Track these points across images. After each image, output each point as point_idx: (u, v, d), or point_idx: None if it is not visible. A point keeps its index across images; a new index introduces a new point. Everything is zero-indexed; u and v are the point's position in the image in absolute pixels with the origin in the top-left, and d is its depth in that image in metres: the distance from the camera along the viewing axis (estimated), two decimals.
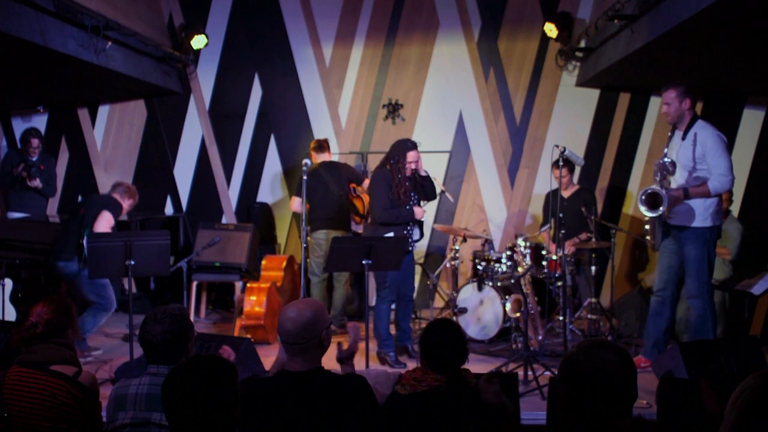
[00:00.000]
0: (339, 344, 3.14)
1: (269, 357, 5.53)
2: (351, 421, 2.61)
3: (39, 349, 2.90)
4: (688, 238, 4.89)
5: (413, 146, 5.48)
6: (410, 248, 5.57)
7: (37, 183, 7.05)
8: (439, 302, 7.33)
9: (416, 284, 6.12)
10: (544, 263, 6.14)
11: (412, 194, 5.49)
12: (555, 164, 6.28)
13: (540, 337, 5.90)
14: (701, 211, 4.84)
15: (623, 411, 1.95)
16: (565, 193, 6.56)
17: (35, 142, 7.10)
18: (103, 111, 8.05)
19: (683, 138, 4.89)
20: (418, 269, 7.49)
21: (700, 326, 4.93)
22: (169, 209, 8.03)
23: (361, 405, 2.66)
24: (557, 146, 5.24)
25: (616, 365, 1.94)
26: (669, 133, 5.04)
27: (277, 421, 2.60)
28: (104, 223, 5.53)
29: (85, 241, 5.50)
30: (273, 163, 7.91)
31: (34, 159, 7.12)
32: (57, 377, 2.81)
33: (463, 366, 2.87)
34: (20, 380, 2.81)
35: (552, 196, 6.28)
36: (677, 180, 4.94)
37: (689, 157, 4.84)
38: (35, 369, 2.83)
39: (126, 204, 5.82)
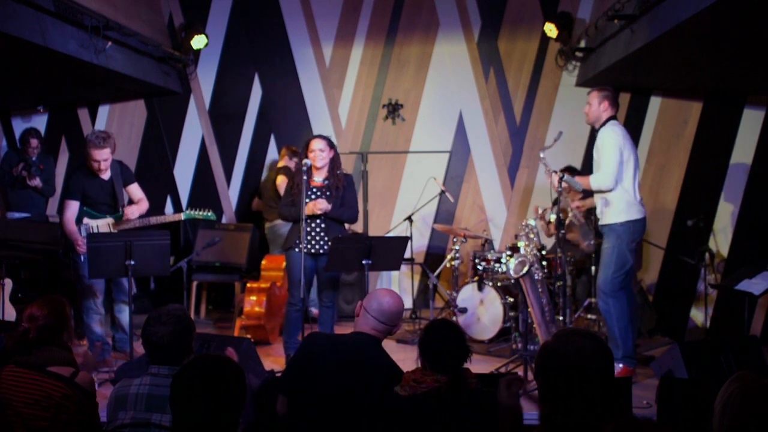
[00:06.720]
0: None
1: (269, 357, 5.55)
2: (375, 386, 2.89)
3: (36, 353, 2.89)
4: (606, 234, 5.08)
5: (316, 136, 5.13)
6: (312, 250, 5.11)
7: (37, 182, 7.07)
8: (439, 302, 7.33)
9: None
10: (544, 263, 6.14)
11: (313, 189, 5.14)
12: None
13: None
14: (614, 207, 5.01)
15: (601, 400, 1.93)
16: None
17: (34, 142, 7.12)
18: (103, 111, 8.05)
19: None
20: (417, 269, 7.53)
21: (606, 321, 5.02)
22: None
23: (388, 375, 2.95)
24: (555, 172, 5.17)
25: (592, 351, 1.94)
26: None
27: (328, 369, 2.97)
28: (65, 212, 5.35)
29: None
30: (273, 163, 7.90)
31: (33, 159, 7.14)
32: (53, 378, 2.82)
33: (464, 365, 2.86)
34: (17, 380, 2.82)
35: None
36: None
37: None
38: (32, 369, 2.84)
39: (95, 152, 5.17)
